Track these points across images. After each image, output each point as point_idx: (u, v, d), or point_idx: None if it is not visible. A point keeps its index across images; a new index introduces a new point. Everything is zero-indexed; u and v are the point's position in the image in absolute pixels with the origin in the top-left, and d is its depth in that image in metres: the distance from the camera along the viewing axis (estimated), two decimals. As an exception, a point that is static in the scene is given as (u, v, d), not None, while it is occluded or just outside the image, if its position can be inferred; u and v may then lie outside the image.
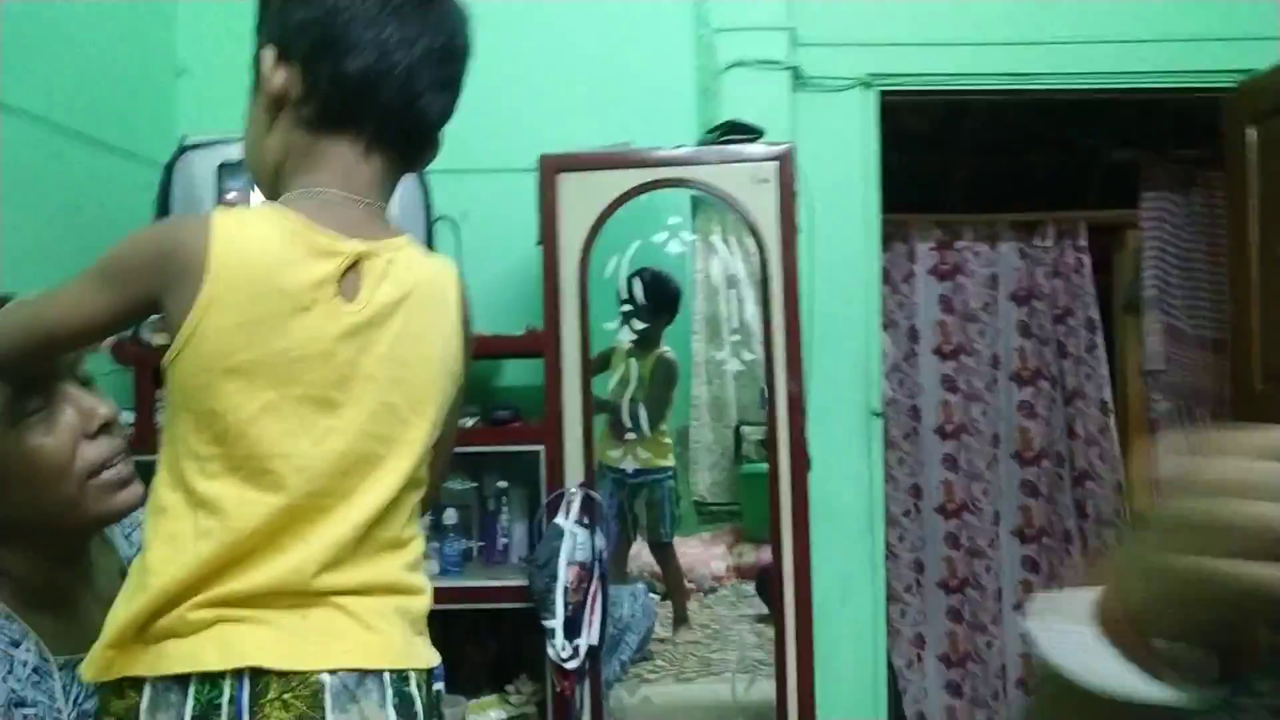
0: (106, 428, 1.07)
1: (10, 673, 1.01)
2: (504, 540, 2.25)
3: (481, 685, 2.26)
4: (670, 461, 2.59)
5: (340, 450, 0.96)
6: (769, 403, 2.13)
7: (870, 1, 2.75)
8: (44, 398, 1.03)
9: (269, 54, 1.04)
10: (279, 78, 1.03)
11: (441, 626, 2.35)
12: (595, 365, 2.22)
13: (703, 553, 2.75)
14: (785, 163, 2.14)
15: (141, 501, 1.11)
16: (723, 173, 2.14)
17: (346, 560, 0.96)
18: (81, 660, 1.07)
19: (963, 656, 3.68)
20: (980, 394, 3.74)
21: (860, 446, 2.71)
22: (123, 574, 1.20)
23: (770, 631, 2.18)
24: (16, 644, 1.03)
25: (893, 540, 3.65)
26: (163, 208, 2.16)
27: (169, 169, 2.15)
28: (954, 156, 4.19)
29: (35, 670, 1.04)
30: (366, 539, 0.98)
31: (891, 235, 3.66)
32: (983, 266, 3.78)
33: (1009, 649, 3.65)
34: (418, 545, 1.05)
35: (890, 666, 3.04)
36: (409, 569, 1.02)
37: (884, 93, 2.78)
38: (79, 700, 1.07)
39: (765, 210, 2.13)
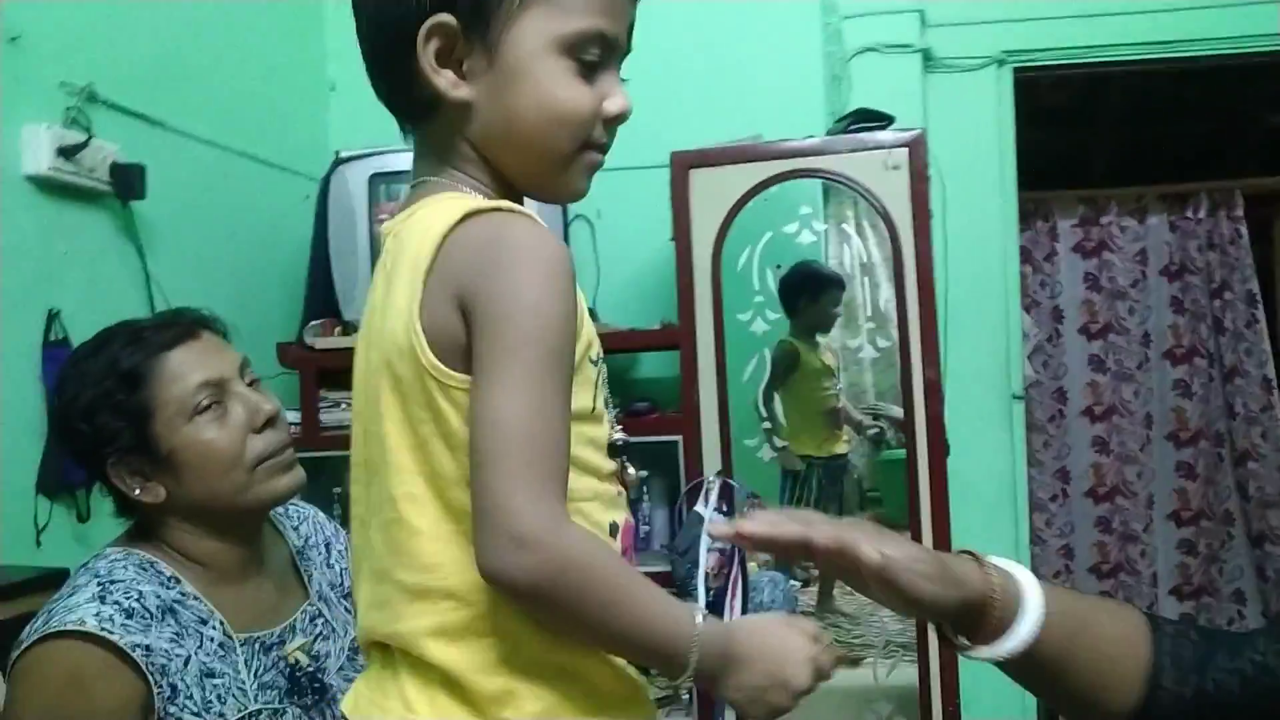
0: (271, 422, 1.20)
1: (200, 647, 1.13)
2: (645, 528, 2.32)
3: (628, 668, 2.33)
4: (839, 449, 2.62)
5: (354, 460, 0.90)
6: (905, 388, 2.13)
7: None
8: (217, 397, 1.16)
9: None
10: None
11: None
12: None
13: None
14: (916, 148, 2.13)
15: (303, 485, 1.24)
16: (853, 161, 2.15)
17: (364, 599, 0.88)
18: (259, 635, 1.19)
19: (1116, 645, 3.57)
20: (1131, 373, 3.62)
21: (1001, 430, 2.67)
22: (292, 561, 1.32)
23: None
24: (204, 621, 1.15)
25: (1040, 525, 3.57)
26: (320, 219, 2.30)
27: (325, 182, 2.29)
28: (1097, 130, 4.05)
29: (220, 645, 1.15)
30: (373, 573, 0.86)
31: (1032, 214, 3.58)
32: (1131, 241, 3.65)
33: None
34: (432, 599, 0.80)
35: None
36: (426, 634, 0.80)
37: (1018, 69, 2.72)
38: (259, 673, 1.18)
39: (897, 196, 2.12)
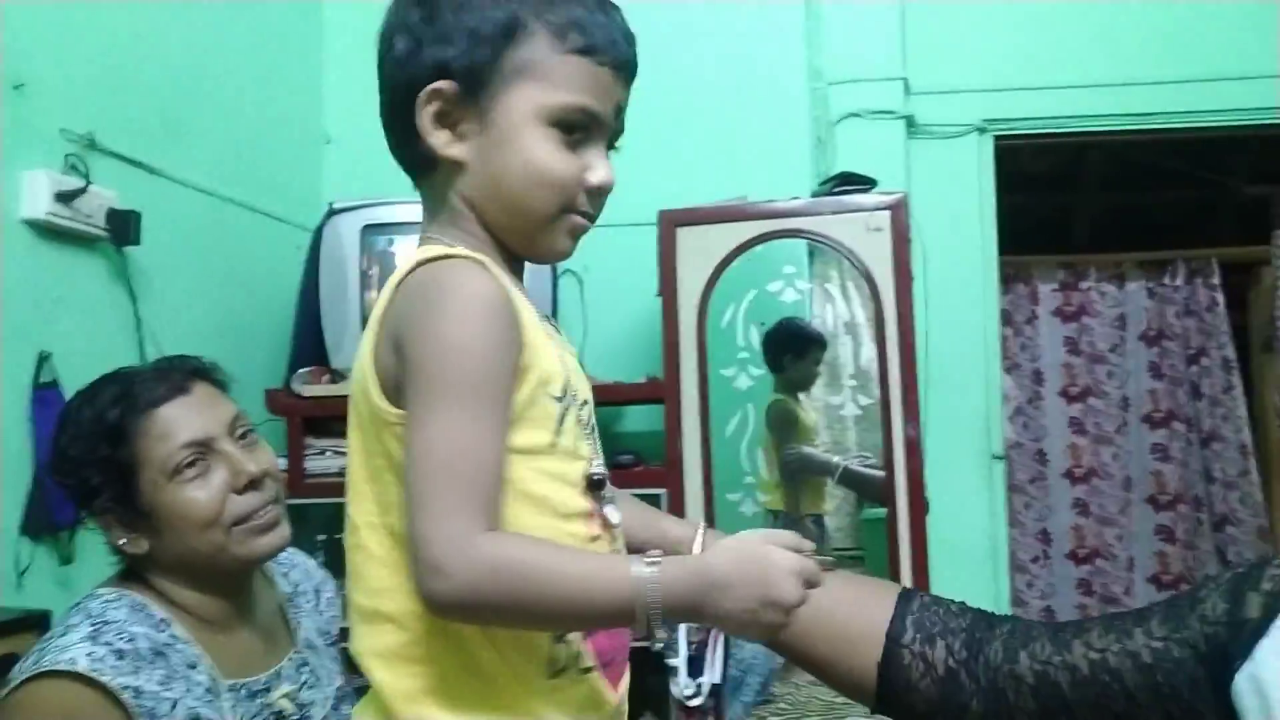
0: (255, 483, 1.19)
1: (189, 692, 1.13)
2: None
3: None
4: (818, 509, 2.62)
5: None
6: (886, 446, 2.16)
7: (983, 48, 2.77)
8: (201, 455, 1.16)
9: None
10: None
11: (568, 664, 2.43)
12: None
13: (825, 596, 2.76)
14: (898, 211, 2.18)
15: (285, 544, 1.24)
16: (836, 222, 2.20)
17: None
18: (245, 682, 1.19)
19: (1098, 708, 3.56)
20: (1110, 437, 3.66)
21: (982, 490, 2.69)
22: (281, 609, 1.32)
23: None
24: (193, 666, 1.15)
25: (1021, 587, 3.58)
26: (311, 268, 2.33)
27: (318, 232, 2.33)
28: (1077, 196, 4.13)
29: (208, 690, 1.15)
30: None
31: (1013, 277, 3.64)
32: (1110, 306, 3.71)
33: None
34: (381, 626, 0.85)
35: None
36: (371, 655, 0.86)
37: (999, 137, 2.79)
38: (243, 719, 1.18)
39: (879, 258, 2.17)
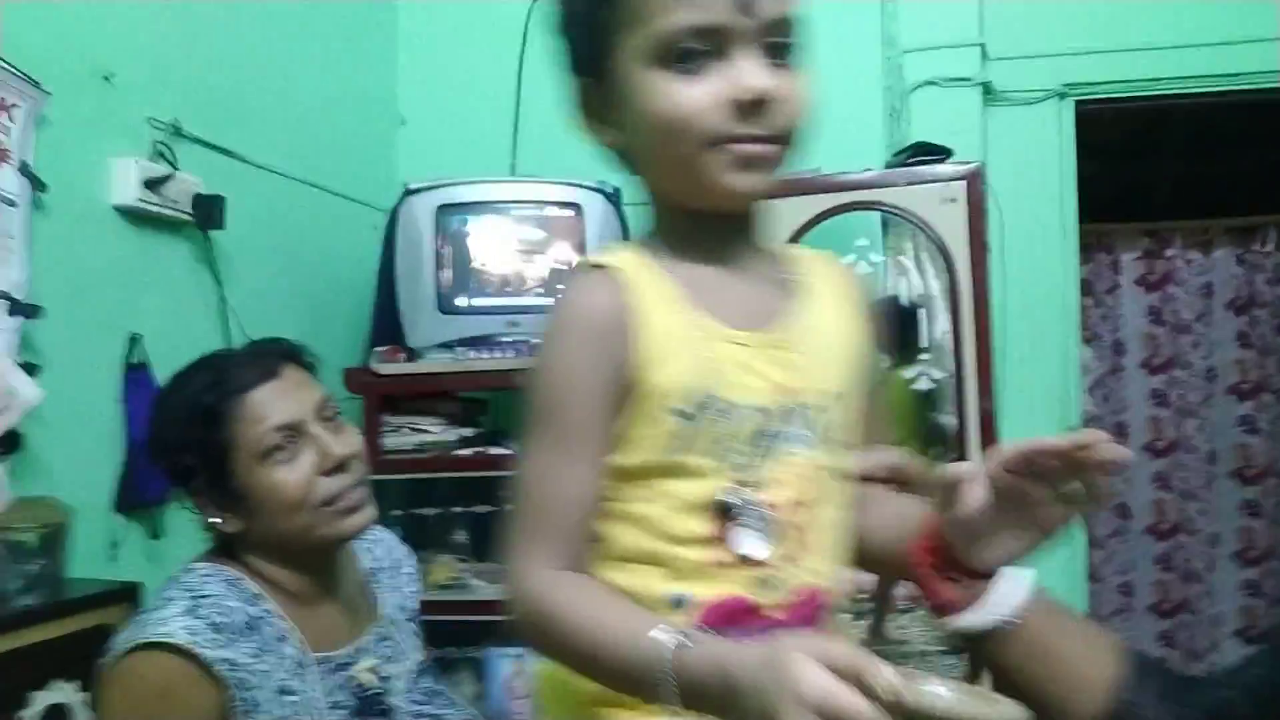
0: (342, 466, 1.22)
1: (280, 664, 1.18)
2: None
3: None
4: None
5: None
6: (959, 421, 2.13)
7: (1063, 10, 2.69)
8: (291, 439, 1.20)
9: None
10: None
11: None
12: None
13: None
14: (973, 181, 2.14)
15: (370, 524, 1.27)
16: (910, 194, 2.16)
17: None
18: (332, 655, 1.23)
19: (1179, 684, 3.50)
20: (1194, 409, 3.56)
21: (1059, 465, 2.64)
22: (364, 584, 1.36)
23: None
24: (283, 639, 1.20)
25: (1097, 563, 3.52)
26: (388, 248, 2.37)
27: (393, 213, 2.36)
28: (1160, 162, 3.99)
29: (298, 663, 1.20)
30: None
31: (1093, 246, 3.55)
32: (1195, 275, 3.61)
33: (1231, 680, 3.44)
34: None
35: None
36: None
37: (1079, 102, 2.71)
38: (330, 692, 1.22)
39: (954, 229, 2.14)
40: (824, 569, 0.85)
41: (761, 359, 0.82)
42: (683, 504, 0.80)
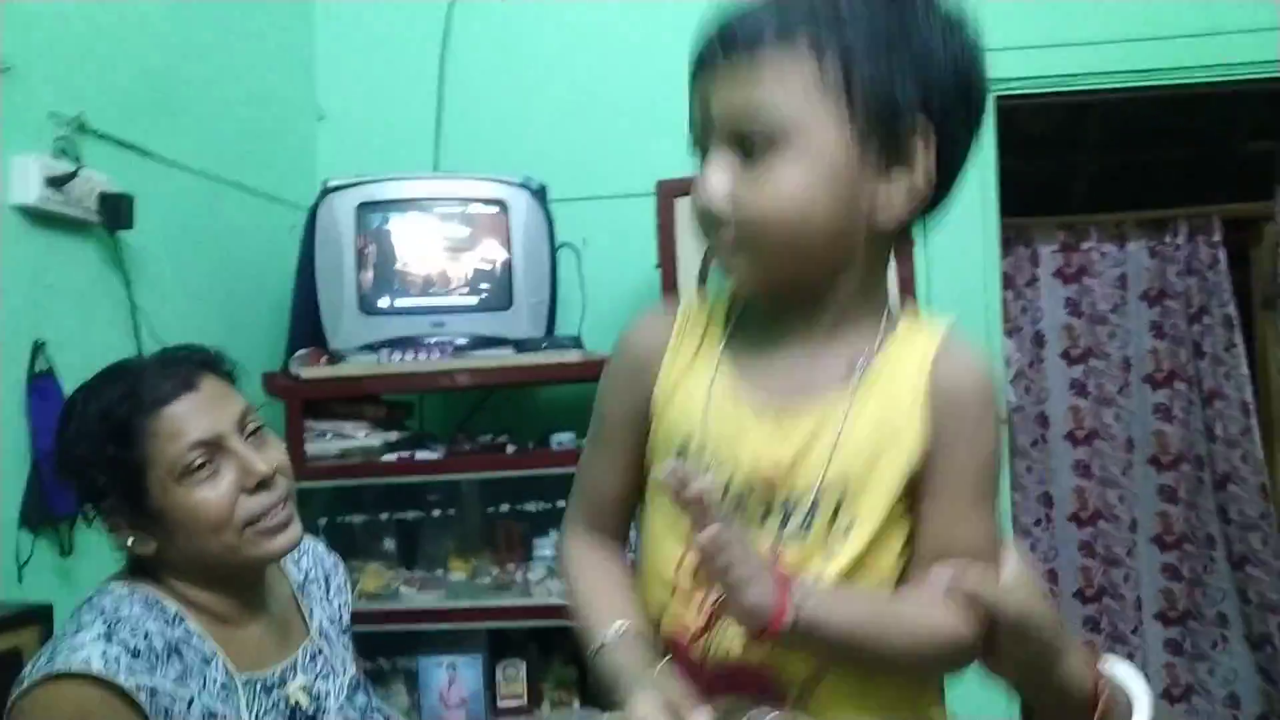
0: (265, 483, 1.17)
1: (204, 688, 1.12)
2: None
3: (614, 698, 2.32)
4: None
5: None
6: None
7: (983, 6, 2.72)
8: (210, 456, 1.14)
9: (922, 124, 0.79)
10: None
11: (574, 641, 2.43)
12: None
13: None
14: (899, 177, 2.16)
15: (296, 543, 1.22)
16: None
17: None
18: (260, 675, 1.18)
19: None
20: (1112, 398, 3.64)
21: (986, 455, 2.68)
22: (292, 598, 1.31)
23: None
24: (208, 661, 1.14)
25: (1024, 549, 3.58)
26: (307, 248, 2.30)
27: (312, 211, 2.30)
28: (1078, 156, 4.09)
29: (223, 686, 1.15)
30: None
31: (1013, 240, 3.61)
32: (1111, 267, 3.69)
33: (1150, 659, 3.54)
34: None
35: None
36: None
37: (1000, 98, 2.75)
38: (259, 714, 1.17)
39: (880, 224, 2.15)
40: (776, 656, 0.82)
41: (764, 435, 0.82)
42: (666, 533, 0.88)
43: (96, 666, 1.05)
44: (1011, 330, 3.62)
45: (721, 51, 0.78)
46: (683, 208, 2.18)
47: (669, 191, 2.19)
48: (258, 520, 1.16)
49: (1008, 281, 3.52)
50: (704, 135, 0.80)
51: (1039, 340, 3.69)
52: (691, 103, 0.81)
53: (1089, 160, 4.11)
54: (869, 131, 0.76)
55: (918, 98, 0.77)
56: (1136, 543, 3.62)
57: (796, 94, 0.74)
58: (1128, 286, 3.67)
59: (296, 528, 1.21)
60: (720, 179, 0.78)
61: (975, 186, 2.71)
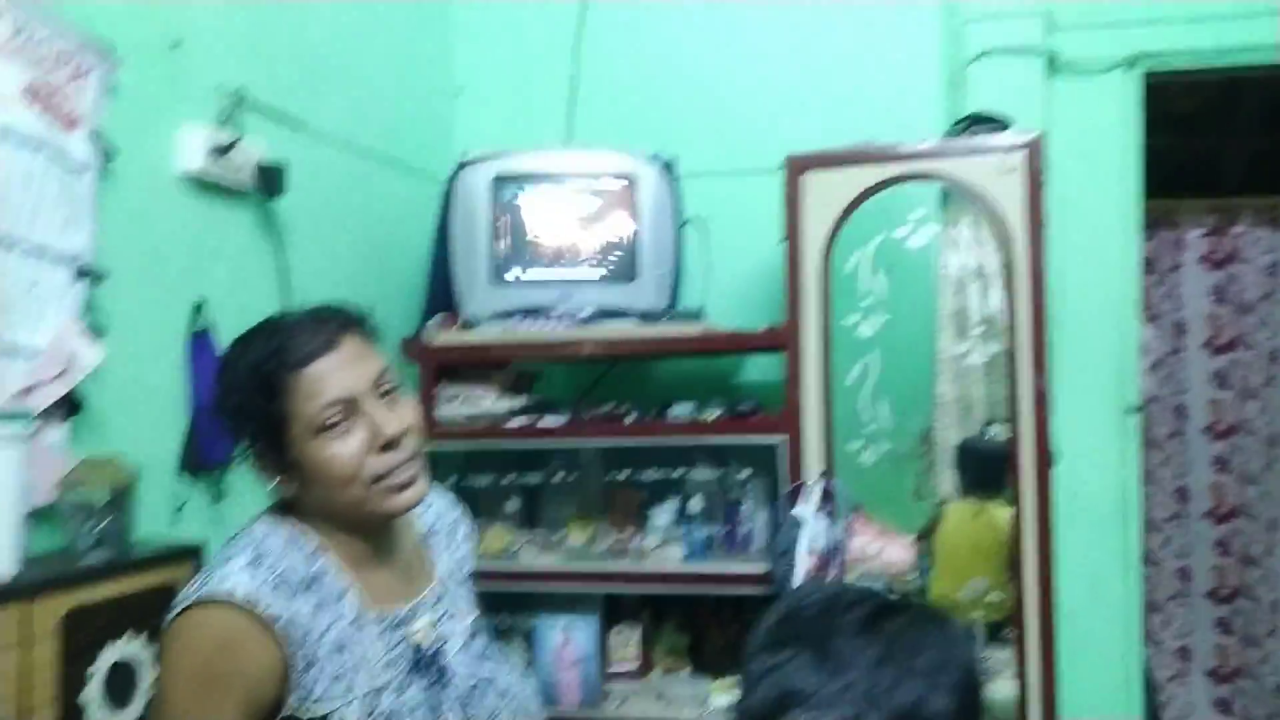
0: (393, 443, 1.22)
1: (337, 621, 1.20)
2: (745, 528, 2.34)
3: (724, 666, 2.36)
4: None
5: None
6: (1012, 396, 2.11)
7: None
8: (345, 414, 1.20)
9: None
10: None
11: (686, 609, 2.48)
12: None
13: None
14: (1033, 151, 2.11)
15: (421, 500, 1.27)
16: (968, 165, 2.14)
17: None
18: (386, 614, 1.26)
19: (1233, 671, 3.45)
20: (1257, 390, 3.48)
21: (1114, 444, 2.60)
22: (419, 546, 1.39)
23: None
24: (340, 596, 1.22)
25: (1154, 546, 3.47)
26: (444, 219, 2.39)
27: (450, 183, 2.38)
28: (1230, 136, 3.89)
29: (353, 620, 1.22)
30: None
31: (1157, 222, 3.47)
32: (1263, 253, 3.51)
33: (1287, 665, 3.39)
34: None
35: (1151, 680, 2.90)
36: None
37: (1149, 74, 2.65)
38: (386, 650, 1.24)
39: (1012, 200, 2.11)
40: None
41: None
42: None
43: (240, 594, 1.13)
44: (1151, 317, 3.49)
45: None
46: (810, 183, 2.18)
47: (797, 166, 2.20)
48: (383, 478, 1.22)
49: (1149, 266, 3.39)
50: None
51: (1180, 329, 3.55)
52: None
53: (1243, 140, 3.90)
54: None
55: None
56: (1276, 543, 3.46)
57: None
58: (1280, 274, 3.49)
59: (421, 485, 1.26)
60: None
61: (1117, 166, 2.63)
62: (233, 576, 1.15)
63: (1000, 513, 2.36)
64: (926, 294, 2.56)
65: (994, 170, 2.12)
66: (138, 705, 1.45)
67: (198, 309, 1.85)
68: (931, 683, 0.79)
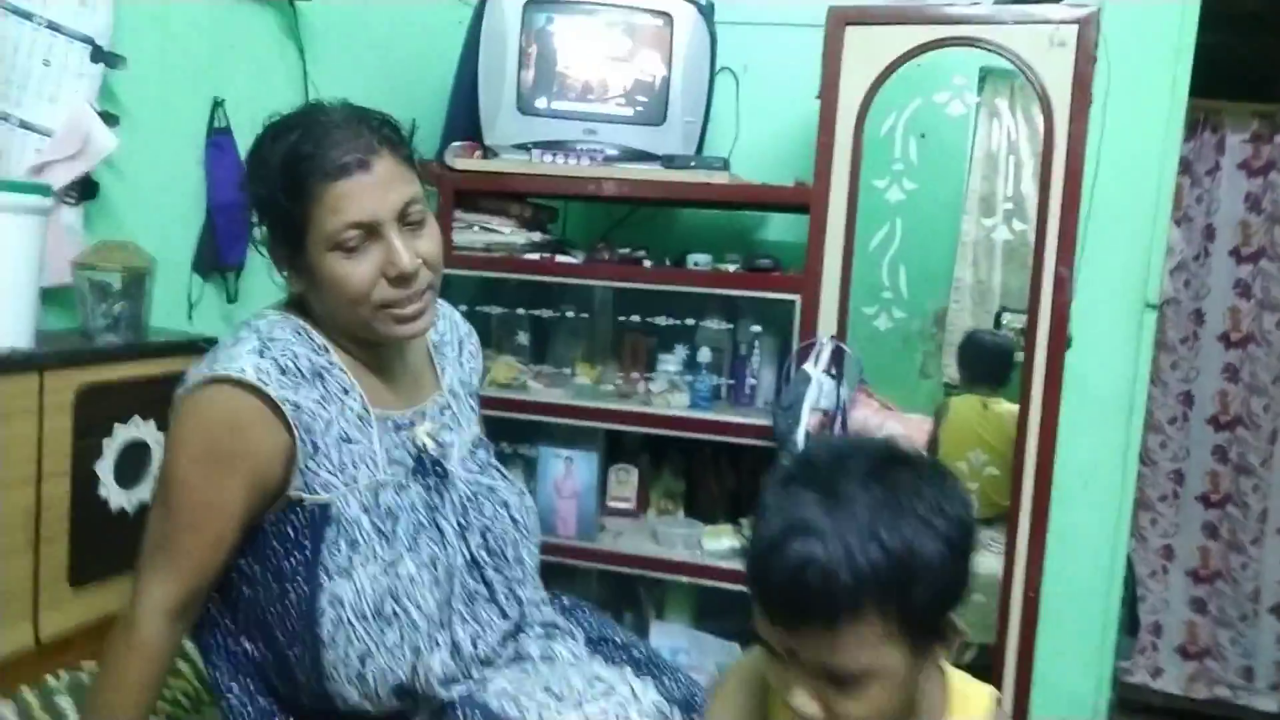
0: (406, 278, 1.20)
1: (341, 414, 1.22)
2: (752, 382, 2.35)
3: (718, 514, 2.41)
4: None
5: None
6: (1034, 279, 2.09)
7: None
8: (364, 238, 1.18)
9: None
10: None
11: (685, 456, 2.50)
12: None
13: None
14: (1087, 26, 2.03)
15: (424, 333, 1.27)
16: (1017, 34, 2.06)
17: None
18: (392, 414, 1.27)
19: (1213, 574, 3.51)
20: (1277, 303, 3.44)
21: (1129, 339, 2.59)
22: (429, 355, 1.39)
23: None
24: (346, 391, 1.24)
25: (1153, 446, 3.49)
26: (471, 43, 2.32)
27: (480, 6, 2.31)
28: (1287, 39, 3.74)
29: (359, 416, 1.24)
30: None
31: (1200, 123, 3.38)
32: (1304, 165, 3.42)
33: (1267, 573, 3.45)
34: None
35: (1133, 573, 2.96)
36: None
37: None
38: (389, 448, 1.26)
39: (1059, 77, 2.04)
40: None
41: None
42: None
43: (250, 375, 1.14)
44: (1180, 220, 3.42)
45: (799, 616, 0.88)
46: (852, 38, 2.11)
47: (840, 20, 2.12)
48: (390, 306, 1.21)
49: (1185, 166, 3.31)
50: (789, 656, 0.91)
51: (1209, 233, 3.49)
52: (770, 627, 0.90)
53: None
54: (923, 644, 0.91)
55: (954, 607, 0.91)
56: (1273, 454, 3.48)
57: (869, 648, 0.87)
58: (1319, 187, 3.41)
59: (427, 318, 1.25)
60: (813, 707, 0.90)
61: (1167, 63, 2.54)
62: (243, 358, 1.16)
63: (1007, 408, 2.37)
64: (957, 169, 2.52)
65: (1045, 41, 2.05)
66: (145, 486, 1.48)
67: (216, 107, 1.82)
68: (926, 527, 0.86)
